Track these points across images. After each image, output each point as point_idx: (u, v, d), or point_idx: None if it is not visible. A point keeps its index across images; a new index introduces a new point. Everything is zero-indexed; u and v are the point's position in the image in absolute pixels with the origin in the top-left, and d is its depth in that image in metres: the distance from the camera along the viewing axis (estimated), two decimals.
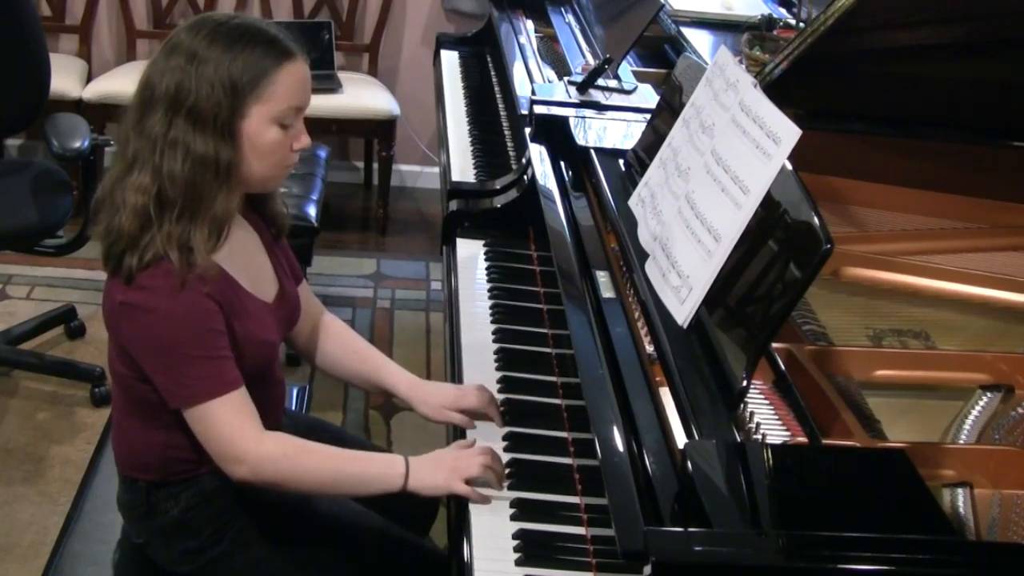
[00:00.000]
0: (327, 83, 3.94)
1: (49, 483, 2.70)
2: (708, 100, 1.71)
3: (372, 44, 4.29)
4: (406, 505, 1.85)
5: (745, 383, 1.38)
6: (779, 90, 1.69)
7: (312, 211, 3.07)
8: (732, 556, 1.16)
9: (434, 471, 1.58)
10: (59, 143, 2.72)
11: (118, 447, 1.73)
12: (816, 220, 1.37)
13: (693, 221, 1.60)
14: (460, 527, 1.54)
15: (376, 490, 1.61)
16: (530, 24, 3.12)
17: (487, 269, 2.15)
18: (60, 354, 3.19)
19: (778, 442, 1.38)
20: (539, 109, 2.28)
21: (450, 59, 3.43)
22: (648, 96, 2.38)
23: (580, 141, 2.14)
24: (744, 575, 1.17)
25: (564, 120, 2.23)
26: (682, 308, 1.55)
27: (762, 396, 1.47)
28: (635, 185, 1.86)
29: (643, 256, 1.71)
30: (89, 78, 4.05)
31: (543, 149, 2.21)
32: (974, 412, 1.56)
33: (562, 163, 2.16)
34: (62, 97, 3.78)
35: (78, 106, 3.83)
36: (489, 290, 2.08)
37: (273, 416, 1.75)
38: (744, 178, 1.52)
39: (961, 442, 1.52)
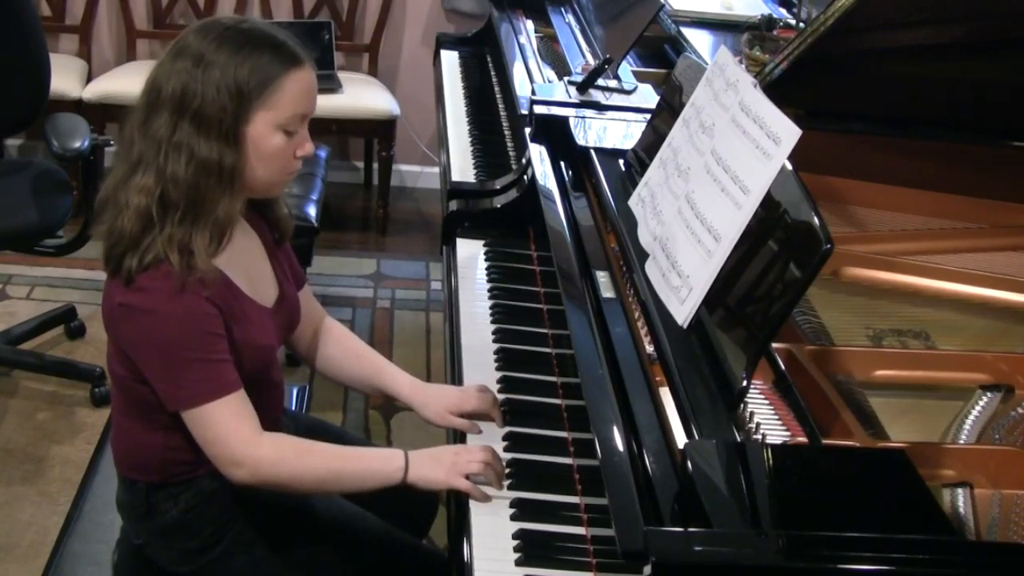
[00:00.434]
0: (327, 83, 3.93)
1: (49, 483, 2.70)
2: (708, 100, 1.71)
3: (372, 44, 4.29)
4: (406, 505, 1.86)
5: (745, 383, 1.38)
6: (779, 90, 1.69)
7: (312, 211, 3.07)
8: (732, 556, 1.16)
9: (434, 465, 1.59)
10: (59, 143, 2.72)
11: (117, 448, 1.73)
12: (816, 220, 1.37)
13: (693, 221, 1.60)
14: (460, 527, 1.54)
15: (376, 485, 1.61)
16: (530, 24, 3.12)
17: (487, 269, 2.15)
18: (60, 354, 3.19)
19: (778, 442, 1.38)
20: (539, 109, 2.28)
21: (450, 59, 3.43)
22: (648, 96, 2.38)
23: (580, 141, 2.14)
24: (744, 575, 1.17)
25: (564, 120, 2.23)
26: (682, 308, 1.55)
27: (762, 396, 1.47)
28: (635, 185, 1.86)
29: (643, 256, 1.71)
30: (89, 78, 4.05)
31: (543, 149, 2.21)
32: (974, 412, 1.56)
33: (562, 163, 2.16)
34: (62, 97, 3.77)
35: (78, 106, 3.83)
36: (489, 290, 2.08)
37: (272, 419, 1.74)
38: (744, 178, 1.52)
39: (961, 442, 1.52)
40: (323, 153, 3.43)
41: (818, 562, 1.15)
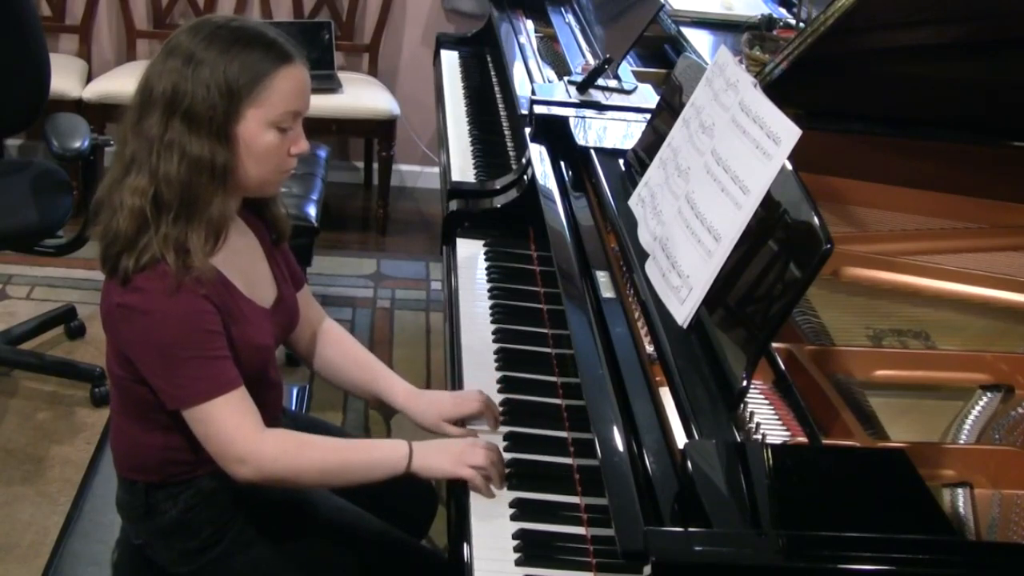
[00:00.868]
0: (327, 83, 3.94)
1: (49, 483, 2.70)
2: (708, 100, 1.71)
3: (372, 44, 4.29)
4: (405, 505, 1.86)
5: (745, 383, 1.38)
6: (779, 90, 1.69)
7: (312, 211, 3.07)
8: (732, 556, 1.16)
9: (439, 456, 1.59)
10: (59, 143, 2.72)
11: (117, 448, 1.73)
12: (816, 220, 1.37)
13: (693, 221, 1.60)
14: (460, 527, 1.54)
15: (381, 475, 1.61)
16: (530, 24, 3.12)
17: (487, 269, 2.15)
18: (60, 354, 3.19)
19: (778, 442, 1.38)
20: (539, 109, 2.28)
21: (450, 59, 3.43)
22: (648, 96, 2.38)
23: (580, 141, 2.14)
24: (744, 575, 1.17)
25: (564, 120, 2.23)
26: (682, 308, 1.55)
27: (762, 396, 1.47)
28: (635, 185, 1.86)
29: (643, 256, 1.71)
30: (89, 78, 4.05)
31: (543, 149, 2.21)
32: (974, 412, 1.56)
33: (562, 163, 2.16)
34: (62, 97, 3.78)
35: (78, 106, 3.83)
36: (489, 290, 2.08)
37: (271, 419, 1.74)
38: (744, 178, 1.52)
39: (961, 442, 1.52)
40: (323, 153, 3.43)
41: (818, 562, 1.15)
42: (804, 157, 1.49)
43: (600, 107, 2.33)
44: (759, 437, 1.38)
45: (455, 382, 1.85)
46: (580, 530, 1.52)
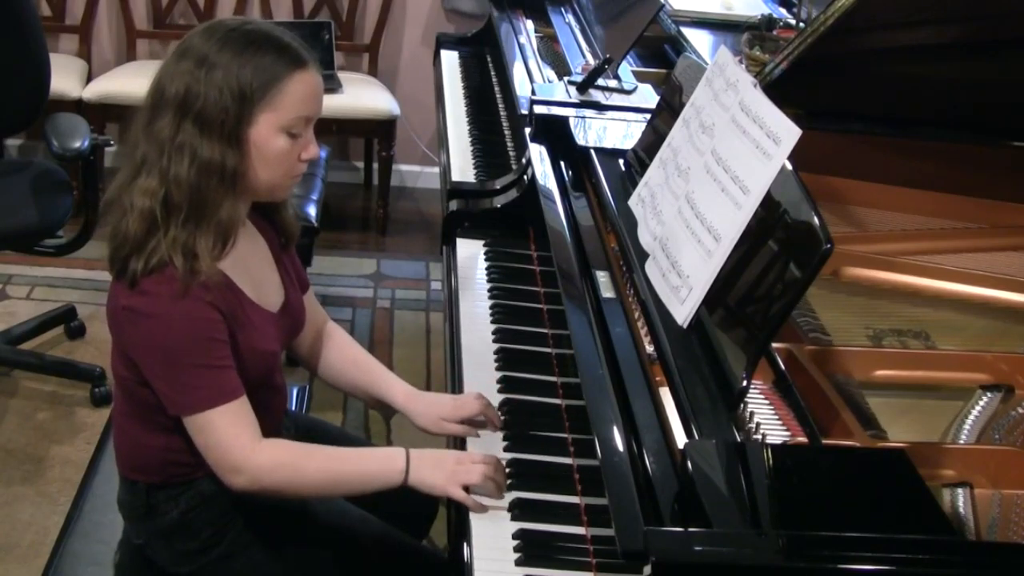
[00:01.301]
0: (327, 83, 3.89)
1: (49, 483, 2.70)
2: (708, 100, 1.71)
3: (372, 44, 4.29)
4: (406, 506, 1.85)
5: (745, 383, 1.38)
6: (779, 90, 1.69)
7: (312, 211, 3.07)
8: (732, 556, 1.16)
9: (434, 470, 1.58)
10: (59, 143, 2.72)
11: (119, 448, 1.73)
12: (816, 220, 1.37)
13: (693, 221, 1.60)
14: (460, 527, 1.54)
15: (377, 487, 1.61)
16: (530, 24, 3.12)
17: (487, 269, 2.15)
18: (60, 354, 3.19)
19: (778, 442, 1.38)
20: (539, 109, 2.28)
21: (450, 59, 3.43)
22: (648, 96, 2.38)
23: (580, 141, 2.14)
24: (744, 575, 1.17)
25: (564, 120, 2.23)
26: (682, 308, 1.55)
27: (762, 396, 1.47)
28: (635, 185, 1.86)
29: (643, 256, 1.71)
30: (89, 78, 4.04)
31: (543, 149, 2.21)
32: (974, 412, 1.56)
33: (562, 163, 2.16)
34: (62, 97, 3.77)
35: (78, 106, 3.82)
36: (489, 290, 2.08)
37: (273, 424, 1.74)
38: (744, 178, 1.52)
39: (961, 442, 1.52)
40: (323, 153, 3.43)
41: (818, 562, 1.15)
42: (804, 157, 1.49)
43: (600, 107, 2.33)
44: (759, 437, 1.38)
45: (455, 382, 1.85)
46: (580, 530, 1.52)
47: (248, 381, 1.59)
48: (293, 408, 2.67)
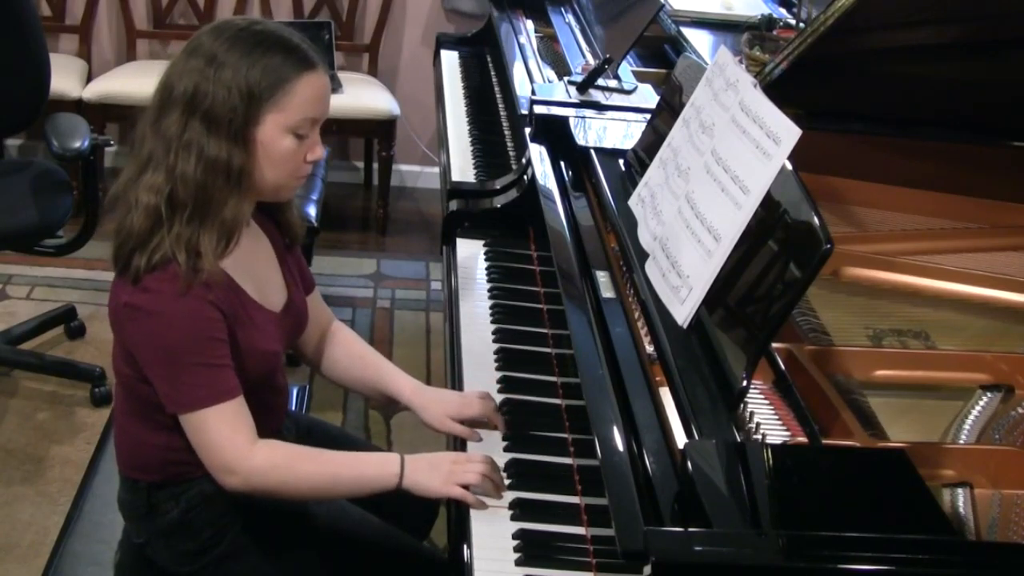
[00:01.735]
0: None
1: (49, 483, 2.70)
2: (708, 100, 1.71)
3: (372, 44, 4.29)
4: (406, 507, 1.85)
5: (745, 383, 1.38)
6: (779, 90, 1.69)
7: (312, 211, 3.06)
8: (732, 556, 1.16)
9: (430, 473, 1.58)
10: (59, 143, 2.72)
11: (119, 447, 1.73)
12: (816, 220, 1.37)
13: (693, 221, 1.60)
14: (460, 528, 1.54)
15: (371, 491, 1.61)
16: (530, 24, 3.12)
17: (487, 269, 2.15)
18: (60, 354, 3.19)
19: (778, 442, 1.38)
20: (539, 109, 2.28)
21: (450, 59, 3.43)
22: (648, 96, 2.38)
23: (580, 141, 2.14)
24: (744, 575, 1.17)
25: (564, 120, 2.23)
26: (682, 308, 1.55)
27: (762, 396, 1.47)
28: (635, 185, 1.86)
29: (643, 256, 1.71)
30: (89, 78, 4.04)
31: (543, 149, 2.21)
32: (974, 412, 1.56)
33: (562, 163, 2.16)
34: (62, 97, 3.77)
35: (78, 106, 3.82)
36: (489, 290, 2.08)
37: (274, 424, 1.74)
38: (744, 178, 1.52)
39: (961, 442, 1.52)
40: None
41: (818, 562, 1.15)
42: (804, 157, 1.49)
43: (600, 107, 2.33)
44: (759, 437, 1.38)
45: (455, 382, 1.85)
46: (580, 530, 1.52)
47: (249, 381, 1.59)
48: (293, 408, 2.67)
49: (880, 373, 1.62)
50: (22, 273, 3.61)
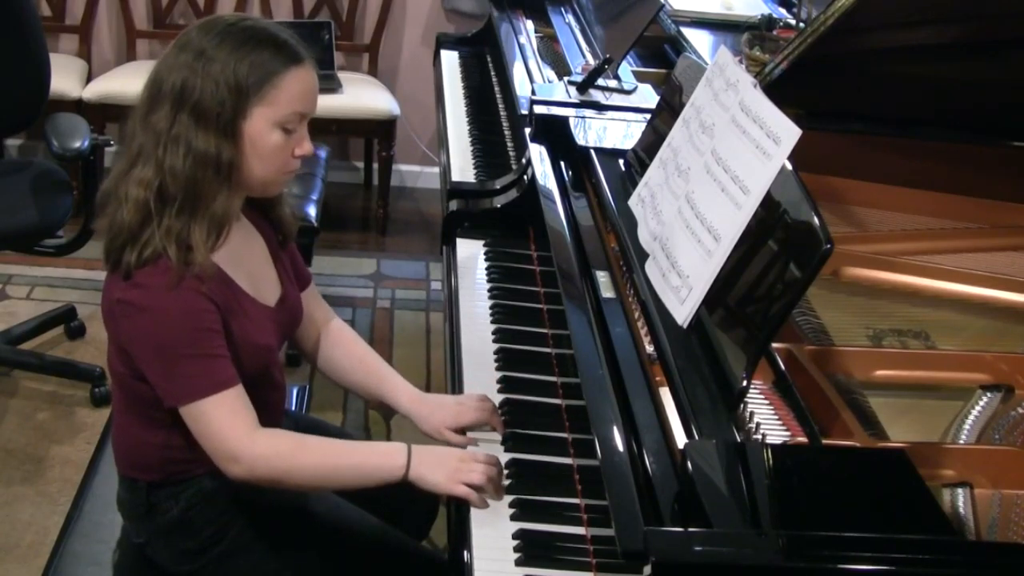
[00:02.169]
0: (327, 83, 3.93)
1: (49, 483, 2.70)
2: (708, 100, 1.71)
3: (372, 44, 4.29)
4: (406, 506, 1.86)
5: (745, 383, 1.38)
6: (779, 90, 1.69)
7: (312, 211, 3.07)
8: (732, 556, 1.16)
9: (435, 468, 1.58)
10: (59, 143, 2.72)
11: (118, 447, 1.73)
12: (816, 220, 1.37)
13: (693, 221, 1.60)
14: (460, 528, 1.53)
15: (376, 481, 1.61)
16: (530, 24, 3.12)
17: (487, 269, 2.15)
18: (60, 354, 3.19)
19: (778, 442, 1.38)
20: (539, 109, 2.28)
21: (450, 59, 3.43)
22: (648, 96, 2.38)
23: (580, 141, 2.14)
24: (744, 575, 1.17)
25: (564, 120, 2.23)
26: (682, 308, 1.55)
27: (762, 396, 1.47)
28: (635, 185, 1.86)
29: (643, 256, 1.71)
30: (89, 78, 4.05)
31: (543, 149, 2.21)
32: (974, 412, 1.56)
33: (562, 163, 2.16)
34: (62, 97, 3.77)
35: (78, 106, 3.82)
36: (489, 290, 2.08)
37: (273, 420, 1.74)
38: (744, 178, 1.52)
39: (961, 442, 1.52)
40: (323, 153, 3.43)
41: (818, 562, 1.15)
42: (804, 157, 1.49)
43: (600, 107, 2.33)
44: (759, 437, 1.38)
45: (455, 382, 1.85)
46: (580, 530, 1.52)
47: (245, 376, 1.59)
48: (293, 408, 2.67)
49: (880, 373, 1.62)
50: (22, 273, 3.61)
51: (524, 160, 2.26)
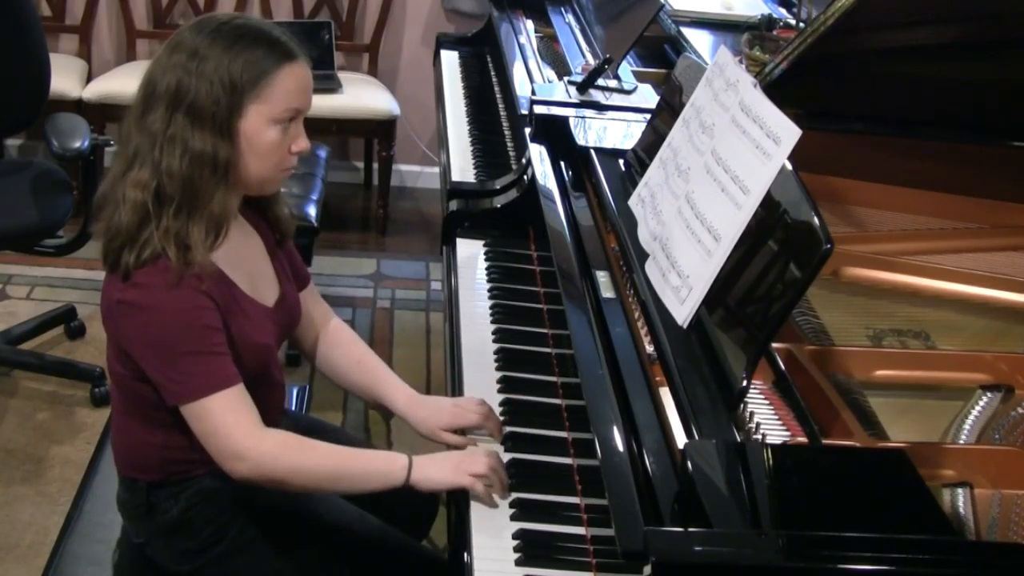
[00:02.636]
0: (327, 83, 3.93)
1: (49, 483, 2.70)
2: (708, 100, 1.71)
3: (372, 44, 4.29)
4: (406, 506, 1.86)
5: (745, 383, 1.38)
6: (779, 90, 1.69)
7: (312, 211, 3.07)
8: (732, 556, 1.16)
9: (440, 466, 1.59)
10: (59, 143, 2.72)
11: (117, 447, 1.73)
12: (816, 220, 1.37)
13: (693, 221, 1.60)
14: (460, 528, 1.54)
15: (378, 485, 1.61)
16: (530, 24, 3.12)
17: (487, 269, 2.15)
18: (60, 354, 3.19)
19: (778, 442, 1.38)
20: (539, 109, 2.28)
21: (450, 59, 3.43)
22: (648, 96, 2.38)
23: (580, 141, 2.14)
24: (744, 575, 1.17)
25: (564, 120, 2.23)
26: (682, 308, 1.55)
27: (762, 396, 1.47)
28: (635, 185, 1.86)
29: (643, 256, 1.71)
30: (89, 78, 4.05)
31: (543, 149, 2.21)
32: (974, 412, 1.56)
33: (562, 163, 2.16)
34: (62, 97, 3.77)
35: (78, 106, 3.82)
36: (489, 290, 2.08)
37: (272, 420, 1.74)
38: (744, 178, 1.52)
39: (961, 442, 1.52)
40: (323, 153, 3.43)
41: (818, 562, 1.15)
42: (804, 157, 1.49)
43: (600, 107, 2.33)
44: (759, 437, 1.38)
45: (455, 382, 1.85)
46: (580, 530, 1.52)
47: (245, 375, 1.59)
48: (293, 408, 2.67)
49: (880, 373, 1.62)
50: (22, 273, 3.61)
51: (524, 160, 2.27)
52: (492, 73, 3.20)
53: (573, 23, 3.01)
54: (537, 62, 2.77)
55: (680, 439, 1.37)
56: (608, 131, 2.20)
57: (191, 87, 1.52)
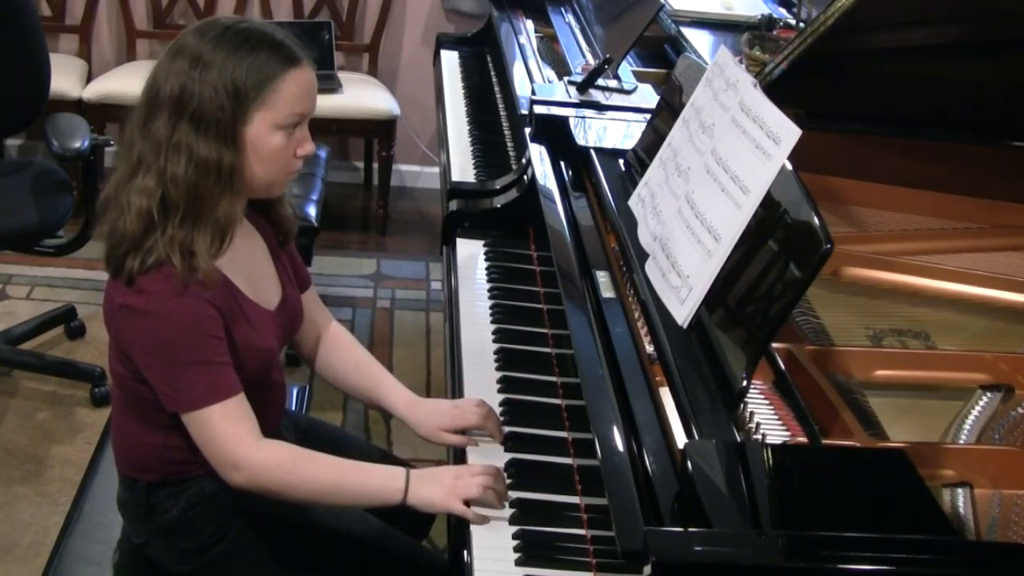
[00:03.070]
0: (327, 83, 3.93)
1: (49, 483, 2.70)
2: (708, 100, 1.71)
3: (372, 44, 4.29)
4: (406, 506, 1.85)
5: (745, 383, 1.38)
6: (779, 90, 1.69)
7: (312, 211, 3.07)
8: (732, 556, 1.16)
9: (433, 487, 1.57)
10: (59, 143, 2.72)
11: (117, 447, 1.73)
12: (816, 220, 1.37)
13: (693, 221, 1.60)
14: (460, 528, 1.54)
15: (374, 502, 1.61)
16: (530, 24, 3.12)
17: (487, 269, 2.15)
18: (60, 354, 3.19)
19: (778, 442, 1.38)
20: (539, 109, 2.28)
21: (450, 59, 3.43)
22: (648, 96, 2.38)
23: (580, 141, 2.14)
24: (744, 575, 1.17)
25: (564, 120, 2.23)
26: (682, 308, 1.55)
27: (762, 396, 1.47)
28: (635, 185, 1.86)
29: (643, 256, 1.71)
30: (89, 78, 4.04)
31: (543, 149, 2.21)
32: (974, 412, 1.57)
33: (562, 163, 2.16)
34: (62, 97, 3.77)
35: (78, 106, 3.82)
36: (489, 290, 2.08)
37: (273, 420, 1.74)
38: (744, 178, 1.52)
39: (961, 442, 1.52)
40: (323, 153, 3.43)
41: (818, 562, 1.15)
42: (804, 157, 1.49)
43: (600, 107, 2.33)
44: (759, 437, 1.38)
45: (455, 382, 1.85)
46: (580, 530, 1.52)
47: (246, 378, 1.59)
48: (293, 408, 2.67)
49: (880, 373, 1.62)
50: (22, 273, 3.61)
51: (524, 160, 2.27)
52: (492, 73, 3.20)
53: (573, 23, 3.01)
54: (537, 62, 2.77)
55: (680, 439, 1.37)
56: (608, 131, 2.20)
57: (195, 94, 1.51)
